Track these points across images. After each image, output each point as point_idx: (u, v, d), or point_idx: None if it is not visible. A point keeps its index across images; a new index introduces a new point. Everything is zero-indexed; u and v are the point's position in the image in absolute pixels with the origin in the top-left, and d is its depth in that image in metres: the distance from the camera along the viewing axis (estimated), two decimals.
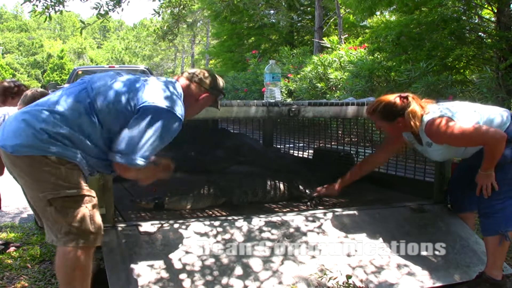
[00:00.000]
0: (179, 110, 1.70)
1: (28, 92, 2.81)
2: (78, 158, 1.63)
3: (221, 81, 1.96)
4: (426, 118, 2.09)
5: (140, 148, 1.62)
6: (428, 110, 2.12)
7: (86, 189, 1.66)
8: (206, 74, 1.90)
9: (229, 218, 2.32)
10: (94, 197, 1.69)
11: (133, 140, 1.62)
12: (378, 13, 8.38)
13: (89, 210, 1.64)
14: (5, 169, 1.87)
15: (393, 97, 2.17)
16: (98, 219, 1.68)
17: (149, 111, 1.64)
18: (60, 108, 1.63)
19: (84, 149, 1.65)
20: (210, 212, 2.61)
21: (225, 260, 2.05)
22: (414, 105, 2.11)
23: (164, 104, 1.66)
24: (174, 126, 1.68)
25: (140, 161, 1.62)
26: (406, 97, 2.15)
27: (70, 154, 1.61)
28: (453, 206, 2.51)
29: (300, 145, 4.37)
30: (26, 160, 1.60)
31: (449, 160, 2.60)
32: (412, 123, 2.10)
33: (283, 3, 12.94)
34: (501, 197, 2.09)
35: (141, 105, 1.65)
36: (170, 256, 2.02)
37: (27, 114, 1.64)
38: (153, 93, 1.69)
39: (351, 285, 2.00)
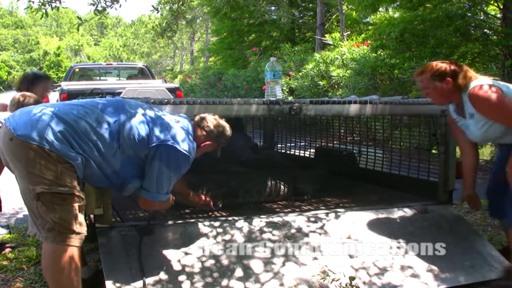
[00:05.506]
0: (192, 152, 1.88)
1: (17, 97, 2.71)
2: (77, 162, 1.67)
3: (228, 131, 2.07)
4: (473, 83, 2.12)
5: (162, 185, 1.84)
6: (478, 78, 2.15)
7: (77, 189, 1.69)
8: (215, 124, 2.02)
9: (230, 218, 2.29)
10: (83, 199, 1.72)
11: (155, 179, 1.81)
12: (381, 9, 8.32)
13: (75, 210, 1.67)
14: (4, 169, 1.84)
15: (446, 62, 2.22)
16: (82, 220, 1.71)
17: (169, 150, 1.80)
18: (88, 116, 1.72)
19: (90, 157, 1.70)
20: (210, 213, 2.56)
21: (225, 261, 2.01)
22: (468, 69, 2.17)
23: (182, 147, 1.82)
24: (187, 164, 1.88)
25: (162, 197, 1.87)
26: (460, 65, 2.21)
27: (72, 156, 1.65)
28: (492, 214, 2.39)
29: (301, 144, 4.33)
30: (27, 149, 1.61)
31: (453, 160, 2.55)
32: (460, 79, 2.12)
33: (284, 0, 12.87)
34: None
35: (161, 142, 1.78)
36: (169, 257, 1.99)
37: (55, 109, 1.70)
38: (171, 132, 1.83)
39: (354, 287, 1.96)
